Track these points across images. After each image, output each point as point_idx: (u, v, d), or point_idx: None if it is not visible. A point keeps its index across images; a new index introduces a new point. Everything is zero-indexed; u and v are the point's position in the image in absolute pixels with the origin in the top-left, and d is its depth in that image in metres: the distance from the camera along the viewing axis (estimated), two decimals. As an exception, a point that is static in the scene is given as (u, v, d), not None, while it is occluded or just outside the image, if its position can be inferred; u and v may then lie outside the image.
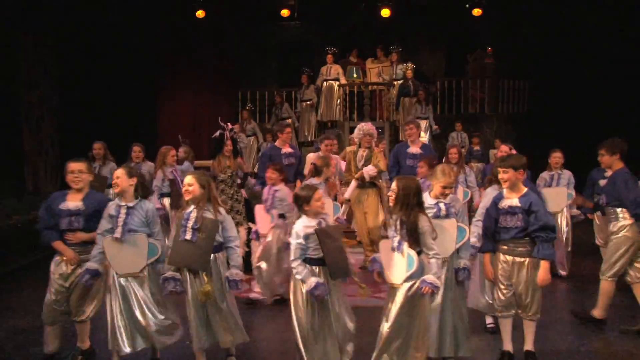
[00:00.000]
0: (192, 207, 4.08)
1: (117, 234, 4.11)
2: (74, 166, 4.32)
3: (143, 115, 11.75)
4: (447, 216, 4.15)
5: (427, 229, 3.77)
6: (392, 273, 3.82)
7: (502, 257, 4.28)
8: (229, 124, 7.31)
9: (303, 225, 3.87)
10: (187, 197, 4.10)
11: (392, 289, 3.82)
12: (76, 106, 10.53)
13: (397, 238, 3.77)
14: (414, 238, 3.75)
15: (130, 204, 4.18)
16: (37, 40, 10.24)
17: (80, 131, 9.73)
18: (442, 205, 4.15)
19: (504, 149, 6.56)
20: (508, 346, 4.35)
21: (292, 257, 3.88)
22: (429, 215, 3.98)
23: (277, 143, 7.20)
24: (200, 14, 11.96)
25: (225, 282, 4.06)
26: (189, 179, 4.12)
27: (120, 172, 4.23)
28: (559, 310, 5.55)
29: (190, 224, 4.01)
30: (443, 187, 4.14)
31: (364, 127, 7.09)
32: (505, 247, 4.27)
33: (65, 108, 10.74)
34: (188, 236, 3.99)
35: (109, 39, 10.73)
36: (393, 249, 3.79)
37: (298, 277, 3.83)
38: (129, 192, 4.20)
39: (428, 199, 4.17)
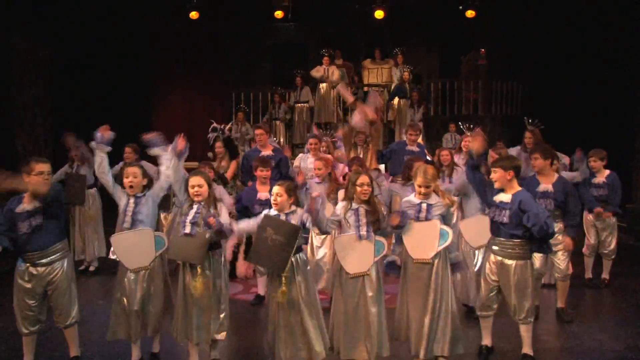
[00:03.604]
0: (196, 206, 4.16)
1: (127, 224, 4.24)
2: (43, 167, 4.10)
3: (137, 116, 11.70)
4: (427, 218, 4.20)
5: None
6: (357, 262, 4.05)
7: (492, 257, 4.37)
8: (222, 124, 7.28)
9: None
10: (197, 199, 4.17)
11: (351, 279, 4.05)
12: (69, 107, 10.50)
13: (364, 227, 4.06)
14: (377, 224, 4.07)
15: (139, 194, 4.32)
16: (30, 41, 10.20)
17: (74, 132, 9.68)
18: (423, 206, 4.22)
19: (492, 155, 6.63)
20: (487, 341, 4.50)
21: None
22: (410, 214, 4.20)
23: (258, 146, 7.13)
24: (194, 15, 11.91)
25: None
26: (197, 180, 4.17)
27: (137, 171, 4.34)
28: (550, 311, 5.59)
29: (188, 218, 4.11)
30: (419, 186, 4.22)
31: (357, 124, 7.22)
32: (495, 248, 4.34)
33: (58, 109, 10.71)
34: (187, 230, 4.09)
35: (102, 40, 10.70)
36: (361, 238, 4.06)
37: None
38: (140, 190, 4.35)
39: (413, 199, 4.26)
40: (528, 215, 4.13)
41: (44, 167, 4.10)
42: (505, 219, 4.22)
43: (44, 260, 4.12)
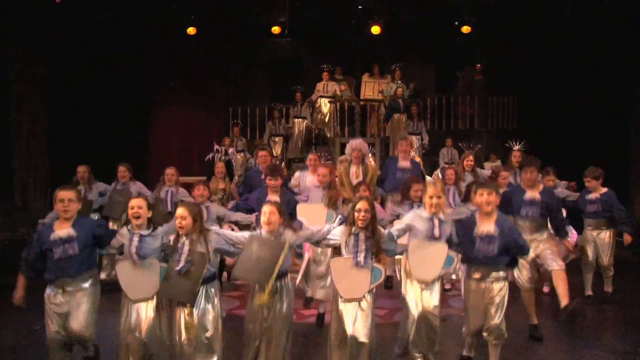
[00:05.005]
0: (185, 238, 4.07)
1: (134, 261, 4.12)
2: (63, 194, 4.11)
3: (134, 131, 11.71)
4: (440, 235, 4.21)
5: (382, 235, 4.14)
6: (352, 288, 4.01)
7: (474, 285, 4.34)
8: (219, 146, 7.28)
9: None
10: (180, 231, 4.08)
11: (345, 303, 4.02)
12: (66, 122, 10.49)
13: (362, 254, 4.01)
14: (377, 250, 4.07)
15: (144, 233, 4.17)
16: (27, 55, 10.23)
17: (70, 147, 9.68)
18: (435, 221, 4.22)
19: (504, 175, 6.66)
20: (470, 352, 4.58)
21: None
22: (424, 229, 4.20)
23: (260, 167, 7.12)
24: (191, 30, 11.98)
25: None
26: (181, 211, 4.08)
27: (142, 203, 4.19)
28: (549, 326, 5.55)
29: (184, 256, 4.02)
30: (430, 197, 4.22)
31: (354, 143, 7.18)
32: (478, 276, 4.32)
33: (55, 124, 10.70)
34: (179, 267, 4.00)
35: (100, 55, 10.73)
36: (357, 264, 4.01)
37: None
38: (145, 222, 4.20)
39: (423, 213, 4.26)
40: (518, 245, 4.26)
41: (63, 194, 4.11)
42: (495, 251, 4.22)
43: (71, 288, 4.09)
